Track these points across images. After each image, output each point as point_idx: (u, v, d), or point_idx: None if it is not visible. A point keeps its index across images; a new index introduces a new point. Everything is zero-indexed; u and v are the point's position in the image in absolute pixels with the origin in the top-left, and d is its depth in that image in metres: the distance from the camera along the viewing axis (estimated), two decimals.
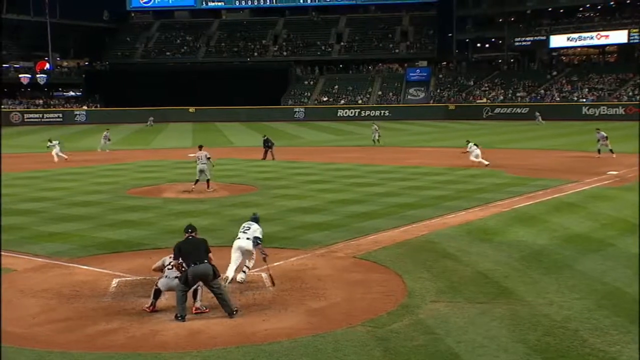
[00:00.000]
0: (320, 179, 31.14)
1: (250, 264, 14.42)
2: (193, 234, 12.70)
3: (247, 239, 14.23)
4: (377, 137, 49.18)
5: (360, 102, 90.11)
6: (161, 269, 12.90)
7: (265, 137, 41.12)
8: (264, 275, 14.72)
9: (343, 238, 18.50)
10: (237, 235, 14.54)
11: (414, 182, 29.37)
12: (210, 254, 12.46)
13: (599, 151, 36.94)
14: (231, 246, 14.53)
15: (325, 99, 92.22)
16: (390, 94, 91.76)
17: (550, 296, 13.03)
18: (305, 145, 51.46)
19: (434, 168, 33.81)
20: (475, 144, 35.27)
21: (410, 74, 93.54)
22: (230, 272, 14.16)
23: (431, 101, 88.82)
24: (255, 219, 14.75)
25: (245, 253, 14.28)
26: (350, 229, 19.78)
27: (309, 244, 17.75)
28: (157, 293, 12.67)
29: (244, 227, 14.56)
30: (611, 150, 36.60)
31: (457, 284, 13.96)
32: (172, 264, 12.63)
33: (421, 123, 74.94)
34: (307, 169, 34.97)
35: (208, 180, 27.64)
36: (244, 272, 14.37)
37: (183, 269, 12.35)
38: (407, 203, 23.94)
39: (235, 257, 14.28)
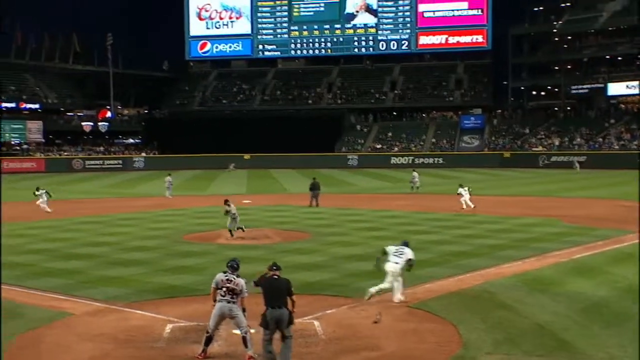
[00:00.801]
0: (373, 226, 30.94)
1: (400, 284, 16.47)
2: (278, 273, 12.40)
3: (396, 263, 16.37)
4: (417, 184, 48.60)
5: (413, 149, 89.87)
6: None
7: (315, 180, 40.66)
8: (315, 323, 14.61)
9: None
10: (389, 259, 16.46)
11: (468, 231, 28.96)
12: (293, 297, 12.25)
13: None
14: None
15: (378, 146, 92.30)
16: (444, 141, 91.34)
17: (612, 350, 12.59)
18: (359, 193, 51.36)
19: (488, 216, 33.30)
20: (465, 188, 37.14)
21: (465, 122, 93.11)
22: (395, 296, 16.39)
23: (485, 149, 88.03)
24: (406, 244, 17.05)
25: (396, 275, 16.32)
26: (403, 277, 19.52)
27: (363, 292, 17.54)
28: (209, 340, 12.64)
29: (397, 251, 16.64)
30: None
31: (514, 335, 13.60)
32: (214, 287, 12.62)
33: (475, 171, 74.19)
34: (360, 216, 34.82)
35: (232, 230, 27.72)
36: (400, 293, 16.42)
37: (214, 303, 12.43)
38: (461, 251, 23.59)
39: (389, 280, 16.35)
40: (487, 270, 20.25)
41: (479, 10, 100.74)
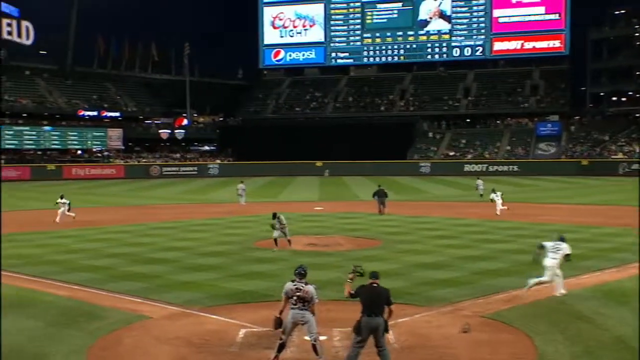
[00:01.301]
0: (446, 234, 30.63)
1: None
2: (377, 282, 12.28)
3: (553, 258, 17.30)
4: (481, 192, 48.84)
5: (487, 156, 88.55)
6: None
7: (380, 187, 40.31)
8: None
9: (470, 296, 18.03)
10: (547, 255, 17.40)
11: (545, 240, 28.29)
12: (392, 307, 12.17)
13: None
14: (355, 301, 14.43)
15: (451, 153, 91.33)
16: (519, 148, 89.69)
17: None
18: (431, 200, 50.93)
19: (566, 225, 32.43)
20: (498, 194, 38.79)
21: (541, 129, 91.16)
22: (557, 290, 17.47)
23: (562, 156, 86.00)
24: (563, 239, 17.79)
25: (555, 270, 17.26)
26: (477, 286, 19.26)
27: (435, 301, 17.40)
28: (281, 346, 12.70)
29: (554, 246, 17.50)
30: None
31: (593, 348, 13.23)
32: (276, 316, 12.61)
33: (551, 179, 72.60)
34: (432, 224, 34.51)
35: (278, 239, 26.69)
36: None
37: (278, 324, 12.48)
38: None
39: (548, 275, 17.32)
40: (565, 281, 19.71)
41: (557, 15, 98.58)
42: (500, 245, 26.99)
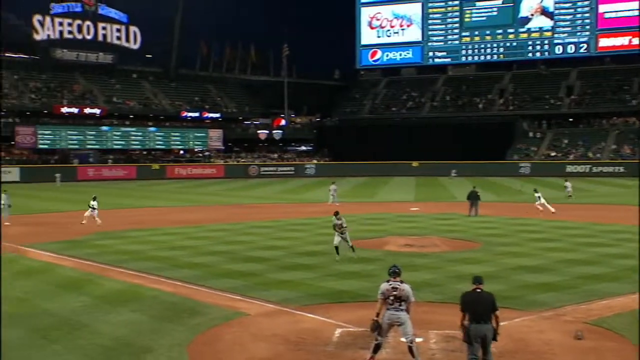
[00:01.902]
0: (547, 237, 29.83)
1: None
2: (481, 287, 11.91)
3: None
4: (569, 193, 49.10)
5: (591, 157, 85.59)
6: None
7: (474, 189, 39.69)
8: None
9: (572, 301, 17.48)
10: None
11: None
12: (497, 312, 11.79)
13: None
14: (451, 303, 14.27)
15: (553, 154, 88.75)
16: (626, 148, 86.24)
17: None
18: (531, 202, 49.64)
19: None
20: (540, 194, 39.80)
21: None
22: None
23: None
24: None
25: None
26: (580, 291, 18.67)
27: (535, 305, 16.97)
28: (377, 347, 12.66)
29: None
30: None
31: None
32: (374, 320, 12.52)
33: None
34: (532, 226, 33.67)
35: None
36: None
37: (375, 327, 12.36)
38: None
39: None
40: None
41: None
42: (604, 249, 26.09)
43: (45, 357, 13.27)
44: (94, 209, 34.87)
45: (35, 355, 13.35)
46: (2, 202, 35.49)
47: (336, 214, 24.66)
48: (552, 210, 38.88)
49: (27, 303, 17.79)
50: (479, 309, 11.60)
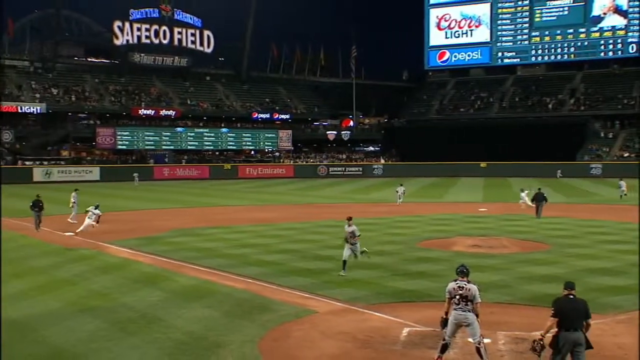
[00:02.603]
0: (619, 239, 29.02)
1: None
2: (573, 293, 11.27)
3: None
4: (624, 192, 50.48)
5: None
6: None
7: (540, 190, 38.64)
8: None
9: None
10: None
11: None
12: (590, 320, 11.21)
13: None
14: (519, 304, 14.03)
15: (626, 154, 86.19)
16: None
17: None
18: (603, 203, 48.41)
19: None
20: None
21: None
22: None
23: None
24: None
25: None
26: None
27: (608, 308, 16.54)
28: (444, 347, 12.59)
29: None
30: None
31: None
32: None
33: None
34: (604, 228, 32.81)
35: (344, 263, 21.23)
36: None
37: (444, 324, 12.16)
38: None
39: None
40: None
41: None
42: None
43: (124, 349, 13.65)
44: (94, 214, 30.48)
45: (115, 347, 13.75)
46: (72, 200, 35.89)
47: (349, 219, 21.81)
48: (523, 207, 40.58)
49: (107, 297, 18.32)
50: (571, 315, 11.05)
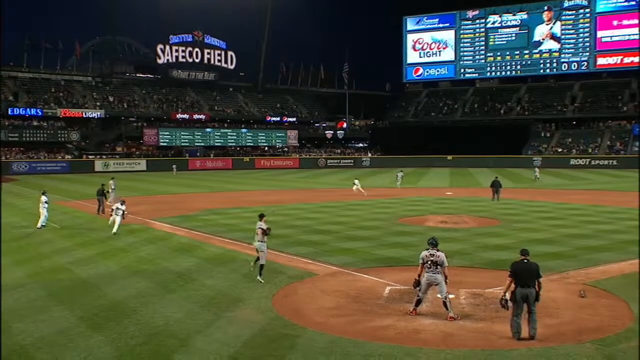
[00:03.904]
0: (554, 216, 29.04)
1: None
2: (527, 258, 11.39)
3: None
4: (537, 176, 53.54)
5: (590, 152, 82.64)
6: None
7: (496, 178, 37.99)
8: (507, 294, 14.05)
9: (574, 267, 17.04)
10: None
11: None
12: (541, 279, 11.26)
13: None
14: (477, 267, 14.06)
15: (560, 150, 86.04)
16: (618, 144, 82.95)
17: None
18: (542, 188, 48.43)
19: None
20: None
21: (637, 129, 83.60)
22: None
23: None
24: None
25: None
26: (580, 259, 18.16)
27: (544, 270, 16.31)
28: (418, 302, 12.63)
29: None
30: None
31: None
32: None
33: None
34: (543, 207, 32.81)
35: (261, 267, 15.70)
36: None
37: (417, 284, 12.20)
38: (633, 240, 21.31)
39: None
40: None
41: None
42: (600, 226, 25.26)
43: (166, 302, 13.68)
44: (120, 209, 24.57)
45: (160, 301, 13.78)
46: (112, 187, 34.90)
47: (261, 217, 16.69)
48: (365, 193, 39.84)
49: (152, 262, 18.35)
50: (524, 275, 11.11)
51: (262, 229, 16.13)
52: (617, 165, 74.44)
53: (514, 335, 10.96)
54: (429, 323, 11.96)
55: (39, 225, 25.51)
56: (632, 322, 11.84)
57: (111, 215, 24.65)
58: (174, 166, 73.59)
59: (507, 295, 11.23)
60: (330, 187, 50.48)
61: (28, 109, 77.03)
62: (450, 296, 12.78)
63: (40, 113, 78.00)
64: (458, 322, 12.02)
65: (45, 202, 26.01)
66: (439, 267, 12.24)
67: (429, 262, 12.29)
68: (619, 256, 18.52)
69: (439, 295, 12.53)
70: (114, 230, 23.67)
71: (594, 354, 10.09)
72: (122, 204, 24.68)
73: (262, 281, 15.37)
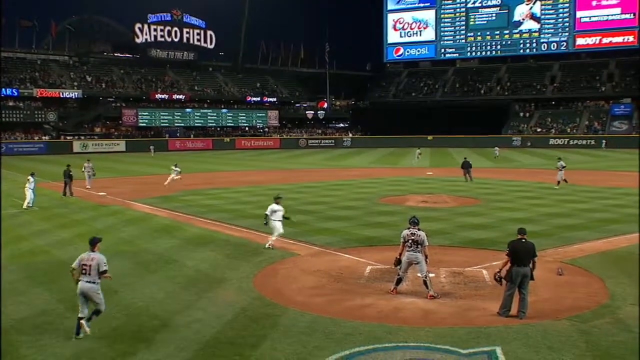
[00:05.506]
0: (533, 195, 29.37)
1: None
2: (525, 237, 11.37)
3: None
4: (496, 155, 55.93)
5: (569, 132, 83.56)
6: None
7: (465, 159, 37.36)
8: (484, 272, 14.27)
9: (551, 245, 17.28)
10: None
11: (616, 201, 26.63)
12: (536, 258, 11.35)
13: None
14: (457, 246, 14.18)
15: (539, 129, 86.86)
16: (596, 124, 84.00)
17: None
18: (521, 168, 48.91)
19: (634, 189, 30.26)
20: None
21: (615, 109, 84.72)
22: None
23: (634, 132, 79.62)
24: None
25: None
26: (558, 238, 18.43)
27: None
28: (399, 280, 12.73)
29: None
30: None
31: None
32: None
33: (623, 151, 67.68)
34: (522, 187, 33.18)
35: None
36: None
37: (397, 263, 12.30)
38: (609, 218, 21.76)
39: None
40: (633, 235, 18.53)
41: (631, 15, 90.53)
42: (577, 205, 25.62)
43: (147, 283, 13.64)
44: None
45: (140, 282, 13.74)
46: (88, 169, 33.38)
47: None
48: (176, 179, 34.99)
49: (132, 243, 18.23)
50: (522, 254, 11.16)
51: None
52: (595, 145, 75.39)
53: (503, 312, 11.09)
54: (409, 301, 12.07)
55: (24, 205, 25.30)
56: (606, 299, 12.08)
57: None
58: (151, 147, 72.75)
59: (503, 273, 11.34)
60: (311, 168, 50.42)
61: (3, 89, 75.51)
62: (431, 275, 12.89)
63: (16, 93, 76.65)
64: (438, 300, 12.15)
65: (32, 182, 25.80)
66: (419, 246, 12.33)
67: (410, 241, 12.36)
68: (595, 235, 18.83)
69: (419, 274, 12.62)
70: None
71: (570, 330, 10.29)
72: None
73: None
